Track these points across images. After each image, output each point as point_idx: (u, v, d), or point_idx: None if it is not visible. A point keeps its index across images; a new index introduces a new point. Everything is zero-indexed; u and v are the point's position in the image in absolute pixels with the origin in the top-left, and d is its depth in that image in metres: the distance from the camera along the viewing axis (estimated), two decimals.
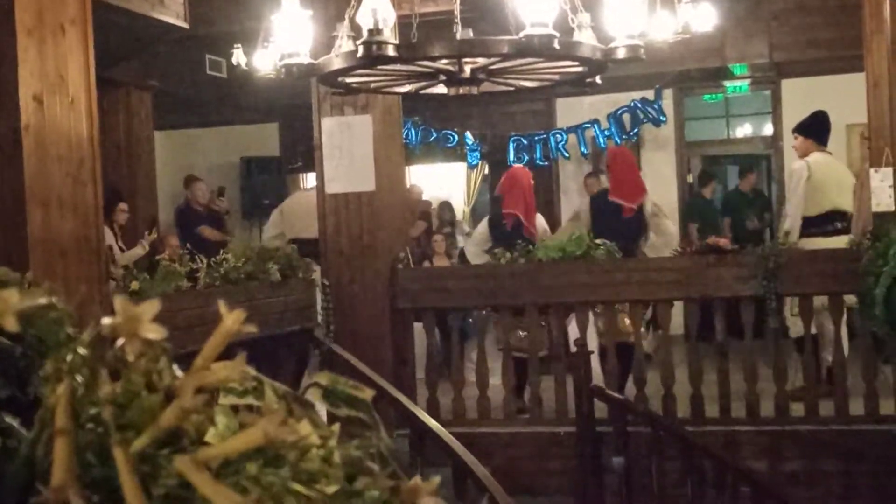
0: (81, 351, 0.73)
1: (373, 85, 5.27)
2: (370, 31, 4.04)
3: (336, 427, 0.77)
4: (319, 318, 6.71)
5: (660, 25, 5.00)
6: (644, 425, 5.74)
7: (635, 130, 11.05)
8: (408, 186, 10.05)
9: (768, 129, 11.39)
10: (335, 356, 6.15)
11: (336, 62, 4.47)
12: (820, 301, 6.46)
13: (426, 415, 5.62)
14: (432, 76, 4.93)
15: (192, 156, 11.85)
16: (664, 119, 10.98)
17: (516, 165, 9.26)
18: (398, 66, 4.67)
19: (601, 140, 10.95)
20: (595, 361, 6.35)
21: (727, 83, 11.06)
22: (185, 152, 11.87)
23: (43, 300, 0.76)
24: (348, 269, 6.90)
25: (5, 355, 0.86)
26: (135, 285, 5.16)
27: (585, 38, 4.35)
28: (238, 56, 6.04)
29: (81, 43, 4.85)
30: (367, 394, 0.89)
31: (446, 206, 11.21)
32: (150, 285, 5.26)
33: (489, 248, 7.32)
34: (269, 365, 5.91)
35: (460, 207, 11.96)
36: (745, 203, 10.41)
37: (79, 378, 0.72)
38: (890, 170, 6.18)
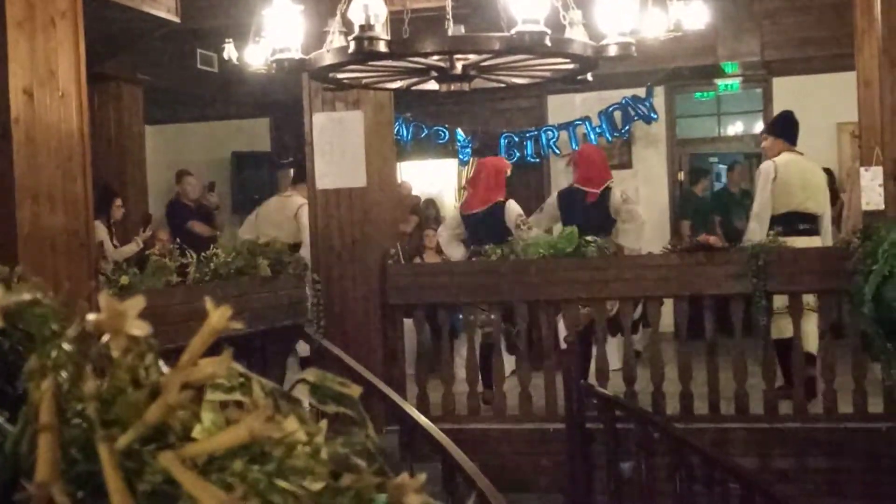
0: (66, 347, 0.72)
1: (364, 81, 5.27)
2: (361, 27, 4.04)
3: (323, 424, 0.77)
4: (310, 314, 6.70)
5: (651, 23, 5.00)
6: (633, 422, 5.76)
7: (627, 128, 11.05)
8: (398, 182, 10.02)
9: (759, 127, 11.38)
10: (325, 352, 6.15)
11: (327, 58, 4.47)
12: (782, 300, 6.48)
13: (416, 411, 5.62)
14: (424, 72, 4.93)
15: (182, 150, 11.79)
16: (655, 116, 10.98)
17: (488, 157, 9.27)
18: (389, 62, 4.67)
19: (592, 137, 10.94)
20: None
21: (719, 81, 11.06)
22: (175, 147, 11.82)
23: (28, 295, 0.76)
24: (339, 265, 6.90)
25: None
26: (124, 280, 5.14)
27: (577, 36, 4.36)
28: (229, 51, 6.01)
29: (72, 36, 4.83)
30: (355, 390, 0.89)
31: (431, 204, 11.19)
32: (139, 280, 5.25)
33: (460, 235, 7.70)
34: (259, 360, 5.91)
35: (451, 203, 11.94)
36: (734, 201, 10.42)
37: (63, 374, 0.71)
38: (880, 168, 6.19)
